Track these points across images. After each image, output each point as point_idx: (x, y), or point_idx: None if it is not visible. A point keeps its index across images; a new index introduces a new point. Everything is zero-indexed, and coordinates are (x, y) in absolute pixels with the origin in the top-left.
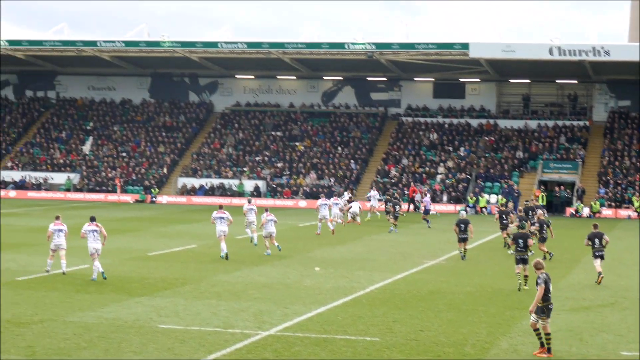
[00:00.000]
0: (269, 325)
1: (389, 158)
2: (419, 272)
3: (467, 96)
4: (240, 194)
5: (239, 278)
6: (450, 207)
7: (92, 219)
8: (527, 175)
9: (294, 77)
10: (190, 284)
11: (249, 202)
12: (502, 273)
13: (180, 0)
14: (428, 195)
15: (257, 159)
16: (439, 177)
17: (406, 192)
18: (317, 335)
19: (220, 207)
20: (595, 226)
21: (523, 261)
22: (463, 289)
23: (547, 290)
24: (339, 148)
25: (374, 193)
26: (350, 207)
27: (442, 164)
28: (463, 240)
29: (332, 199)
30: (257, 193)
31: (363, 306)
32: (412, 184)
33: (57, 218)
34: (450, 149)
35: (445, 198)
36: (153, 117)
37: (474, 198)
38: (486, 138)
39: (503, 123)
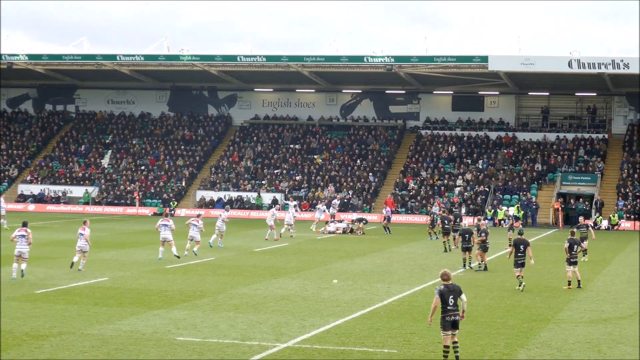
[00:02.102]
0: (287, 338)
1: (407, 171)
2: (438, 284)
3: (485, 109)
4: (258, 206)
5: (257, 290)
6: (469, 220)
7: (24, 224)
8: (545, 187)
9: (313, 90)
10: (208, 297)
11: (198, 216)
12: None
13: (201, 9)
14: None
15: (275, 172)
16: (457, 189)
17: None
18: (334, 347)
19: (166, 215)
20: (573, 233)
21: (522, 265)
22: (481, 302)
23: (445, 302)
24: (358, 161)
25: (336, 201)
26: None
27: (460, 177)
28: (467, 249)
29: (274, 209)
30: (274, 206)
31: (381, 318)
32: (389, 195)
33: (84, 223)
34: (469, 161)
35: (463, 210)
36: (172, 130)
37: (492, 210)
38: (505, 151)
39: (522, 136)
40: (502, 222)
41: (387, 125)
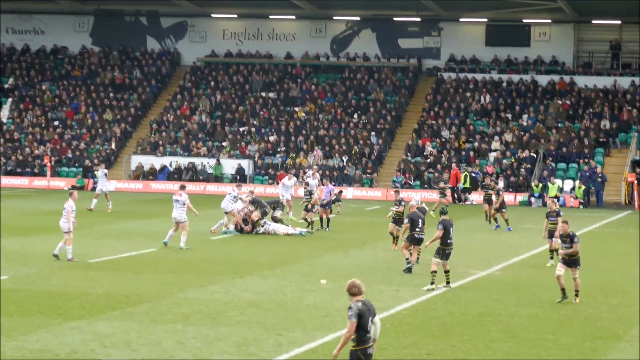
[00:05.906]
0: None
1: (423, 129)
2: (464, 286)
3: (533, 44)
4: (217, 177)
5: (215, 294)
6: (509, 197)
7: None
8: (615, 153)
9: (293, 17)
10: (147, 303)
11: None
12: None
13: None
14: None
15: (241, 129)
16: (492, 155)
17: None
18: None
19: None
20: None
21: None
22: (525, 310)
23: (363, 327)
24: (355, 115)
25: (310, 174)
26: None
27: (497, 138)
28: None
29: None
30: (240, 177)
31: (387, 333)
32: (454, 165)
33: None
34: (509, 116)
35: (501, 184)
36: (97, 71)
37: (541, 185)
38: (559, 102)
39: (583, 81)
40: (555, 200)
41: (395, 65)
